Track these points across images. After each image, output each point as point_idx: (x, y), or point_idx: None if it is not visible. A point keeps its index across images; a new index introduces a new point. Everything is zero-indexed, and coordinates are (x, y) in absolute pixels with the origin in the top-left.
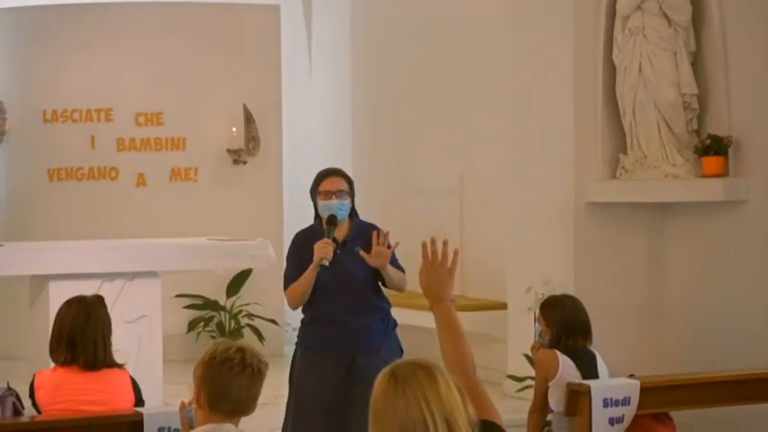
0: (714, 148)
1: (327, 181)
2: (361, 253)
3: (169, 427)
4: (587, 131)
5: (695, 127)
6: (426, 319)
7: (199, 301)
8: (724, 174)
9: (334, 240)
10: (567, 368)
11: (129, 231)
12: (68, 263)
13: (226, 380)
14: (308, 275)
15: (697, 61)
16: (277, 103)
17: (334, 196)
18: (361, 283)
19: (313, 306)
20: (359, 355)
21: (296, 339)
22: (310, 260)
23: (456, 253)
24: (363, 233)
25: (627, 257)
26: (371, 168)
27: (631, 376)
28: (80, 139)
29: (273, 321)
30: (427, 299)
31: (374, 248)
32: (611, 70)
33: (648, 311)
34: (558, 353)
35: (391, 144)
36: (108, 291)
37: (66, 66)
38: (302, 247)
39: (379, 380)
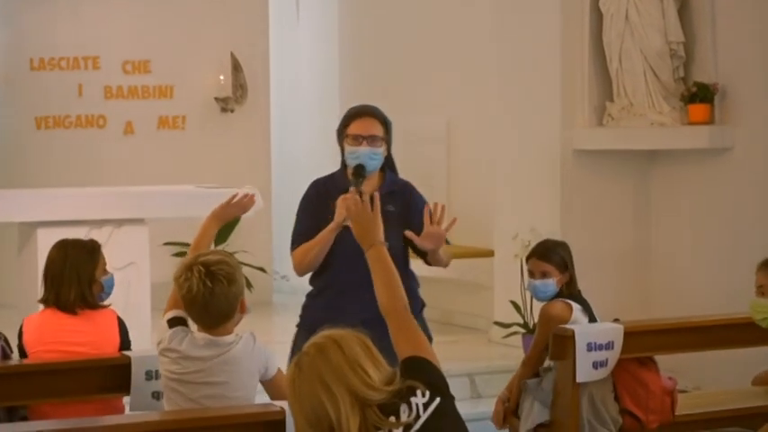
0: (700, 95)
1: (358, 122)
2: (409, 234)
3: (156, 371)
4: (574, 79)
5: (681, 75)
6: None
7: (187, 249)
8: (710, 121)
9: (361, 195)
10: (578, 317)
11: (117, 179)
12: (56, 210)
13: (186, 301)
14: (325, 236)
15: (684, 9)
16: (264, 50)
17: (364, 142)
18: (392, 250)
19: (324, 275)
20: (378, 339)
21: (297, 319)
22: (327, 216)
23: (375, 199)
24: (396, 190)
25: (613, 205)
26: None
27: (616, 321)
28: (68, 87)
29: (262, 269)
30: (362, 245)
31: (427, 228)
32: (597, 17)
33: (635, 258)
34: (573, 304)
35: (379, 91)
36: (96, 237)
37: (54, 14)
38: (319, 199)
39: (288, 369)
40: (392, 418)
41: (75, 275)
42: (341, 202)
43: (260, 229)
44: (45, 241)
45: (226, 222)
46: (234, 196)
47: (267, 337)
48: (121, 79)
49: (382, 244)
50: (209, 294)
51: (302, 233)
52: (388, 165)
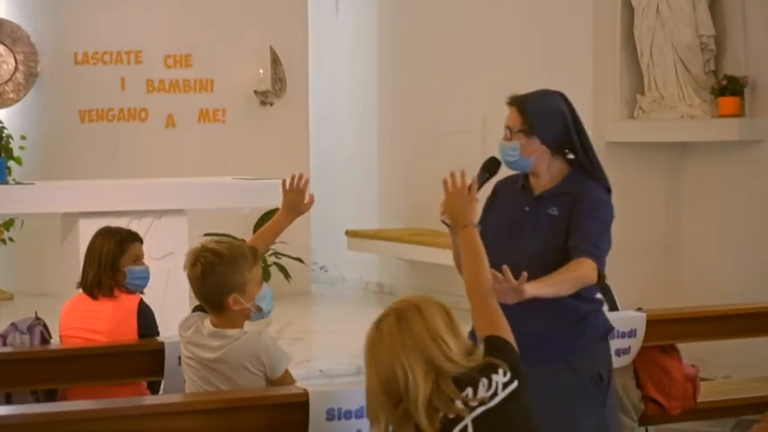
0: (730, 88)
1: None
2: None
3: None
4: (605, 72)
5: (712, 68)
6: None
7: (226, 240)
8: (740, 114)
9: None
10: None
11: (158, 172)
12: (98, 201)
13: (191, 283)
14: (452, 239)
15: (714, 2)
16: (303, 44)
17: (507, 132)
18: (537, 259)
19: None
20: (528, 363)
21: None
22: (500, 213)
23: (474, 183)
24: (572, 191)
25: (644, 196)
26: (398, 109)
27: (639, 309)
28: (110, 80)
29: (299, 260)
30: (453, 227)
31: (498, 283)
32: (629, 11)
33: (665, 249)
34: None
35: (416, 84)
36: (136, 228)
37: (97, 8)
38: (492, 199)
39: (370, 328)
40: (468, 390)
41: (97, 260)
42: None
43: (298, 221)
44: (87, 232)
45: (298, 215)
46: (284, 182)
47: (305, 327)
48: (163, 73)
49: (475, 226)
50: (194, 279)
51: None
52: (582, 163)
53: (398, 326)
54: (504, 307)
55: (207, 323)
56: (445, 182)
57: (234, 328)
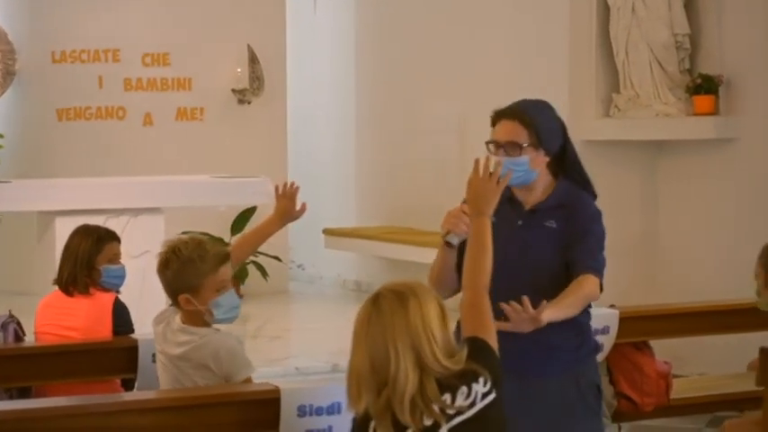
0: (705, 87)
1: (497, 127)
2: (505, 308)
3: None
4: (582, 71)
5: (687, 66)
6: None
7: (205, 239)
8: (715, 112)
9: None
10: None
11: (135, 170)
12: (74, 199)
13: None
14: (439, 256)
15: (689, 1)
16: (281, 42)
17: (501, 150)
18: (545, 272)
19: None
20: (532, 375)
21: None
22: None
23: (507, 176)
24: (567, 204)
25: (621, 194)
26: (376, 107)
27: (612, 306)
28: (88, 79)
29: (277, 258)
30: (469, 210)
31: (513, 313)
32: (605, 10)
33: (642, 247)
34: None
35: (394, 82)
36: (113, 226)
37: (75, 7)
38: None
39: (364, 304)
40: (447, 396)
41: (73, 257)
42: (446, 216)
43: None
44: (63, 230)
45: (289, 221)
46: (277, 188)
47: (282, 325)
48: (141, 71)
49: (490, 218)
50: (156, 271)
51: None
52: (570, 173)
53: (399, 308)
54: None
55: (177, 318)
56: (477, 161)
57: (202, 326)
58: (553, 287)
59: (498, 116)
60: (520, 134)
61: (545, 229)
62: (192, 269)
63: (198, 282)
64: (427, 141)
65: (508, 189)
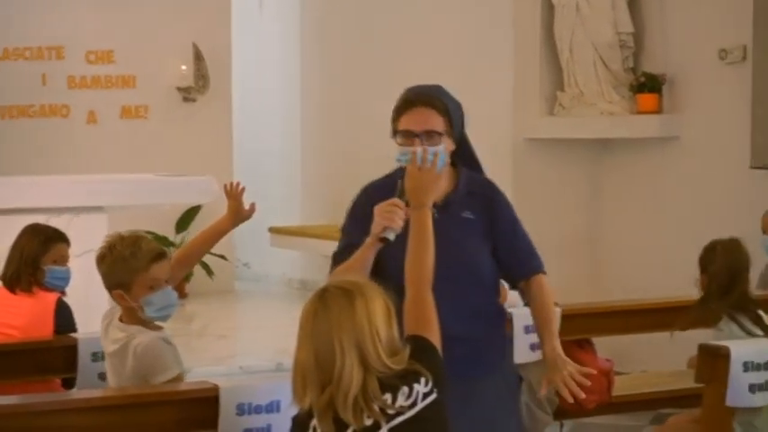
0: (649, 85)
1: (409, 115)
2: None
3: (102, 353)
4: (526, 69)
5: (631, 65)
6: None
7: (149, 237)
8: (658, 110)
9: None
10: (514, 299)
11: (79, 169)
12: (15, 197)
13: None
14: (362, 254)
15: (633, 0)
16: (226, 40)
17: (417, 139)
18: (476, 266)
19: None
20: (475, 376)
21: None
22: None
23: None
24: (475, 192)
25: (565, 192)
26: (321, 106)
27: (555, 305)
28: (31, 76)
29: (222, 257)
30: (410, 202)
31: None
32: (549, 9)
33: (586, 244)
34: (506, 285)
35: (341, 80)
36: (54, 225)
37: (18, 4)
38: (366, 206)
39: (308, 301)
40: (387, 396)
41: (18, 255)
42: (378, 211)
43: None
44: (3, 228)
45: (240, 221)
46: (225, 186)
47: (228, 324)
48: (85, 69)
49: (431, 209)
50: (96, 266)
51: (344, 250)
52: (464, 158)
53: (346, 306)
54: (445, 317)
55: (118, 315)
56: (415, 152)
57: (136, 323)
58: (489, 281)
59: (410, 104)
60: (437, 122)
61: (462, 221)
62: (124, 265)
63: (129, 278)
64: (372, 139)
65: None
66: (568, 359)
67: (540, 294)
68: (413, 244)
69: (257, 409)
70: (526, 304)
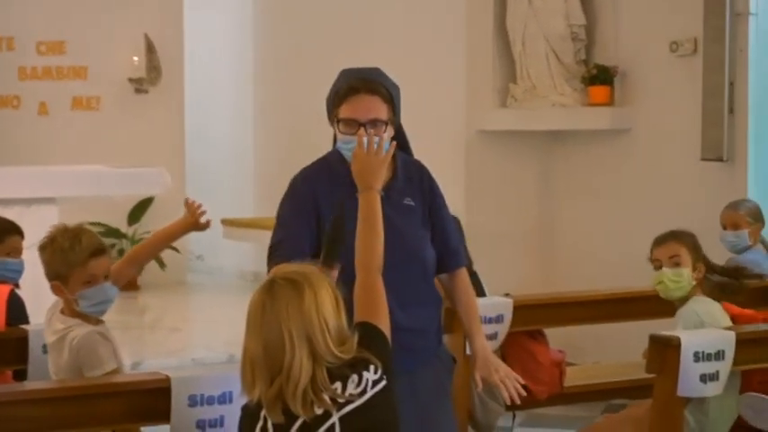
0: (600, 77)
1: (354, 102)
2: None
3: None
4: (478, 61)
5: (583, 57)
6: None
7: (101, 229)
8: (610, 103)
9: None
10: None
11: (31, 160)
12: None
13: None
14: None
15: None
16: (178, 31)
17: (362, 129)
18: (421, 254)
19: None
20: (416, 367)
21: None
22: (318, 212)
23: (392, 145)
24: (413, 178)
25: (517, 184)
26: (274, 97)
27: (507, 295)
28: None
29: (175, 249)
30: (357, 185)
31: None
32: (502, 1)
33: (538, 236)
34: None
35: (293, 70)
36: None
37: None
38: (305, 194)
39: (256, 292)
40: (337, 385)
41: None
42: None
43: (173, 209)
44: None
45: (194, 230)
46: (186, 200)
47: (181, 316)
48: (35, 60)
49: (379, 192)
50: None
51: (285, 239)
52: (398, 141)
53: (294, 298)
54: (392, 307)
55: (60, 306)
56: (361, 135)
57: (75, 315)
58: (431, 268)
59: (353, 91)
60: (382, 110)
61: (405, 208)
62: (62, 258)
63: (67, 271)
64: (325, 130)
65: (350, 172)
66: (499, 360)
67: (466, 289)
68: (361, 227)
69: (209, 400)
70: (478, 294)
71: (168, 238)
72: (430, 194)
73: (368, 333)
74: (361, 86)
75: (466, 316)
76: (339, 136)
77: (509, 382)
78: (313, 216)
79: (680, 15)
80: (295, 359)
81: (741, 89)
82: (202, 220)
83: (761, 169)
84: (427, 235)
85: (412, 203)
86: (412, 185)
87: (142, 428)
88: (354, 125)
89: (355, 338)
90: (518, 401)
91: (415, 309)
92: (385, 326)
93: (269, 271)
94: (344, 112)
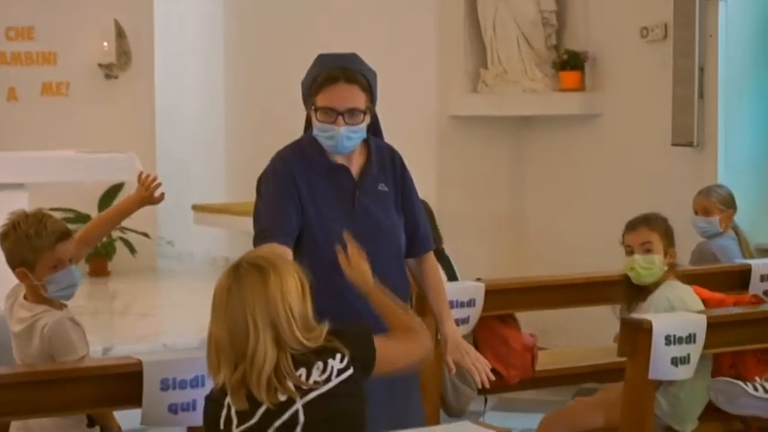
0: (571, 63)
1: (332, 91)
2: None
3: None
4: (449, 46)
5: (554, 42)
6: None
7: (71, 215)
8: (581, 88)
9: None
10: None
11: (0, 146)
12: None
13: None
14: None
15: None
16: (148, 17)
17: (341, 118)
18: (395, 241)
19: (315, 277)
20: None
21: None
22: (299, 192)
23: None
24: (385, 163)
25: (489, 169)
26: (245, 82)
27: (478, 280)
28: None
29: (145, 234)
30: (360, 292)
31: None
32: None
33: (510, 221)
34: None
35: (264, 55)
36: None
37: None
38: (285, 174)
39: (221, 276)
40: (302, 371)
41: None
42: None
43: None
44: None
45: (148, 204)
46: (140, 174)
47: (151, 302)
48: (4, 45)
49: (376, 289)
50: None
51: (273, 222)
52: (373, 127)
53: (259, 284)
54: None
55: (22, 293)
56: (340, 252)
57: (42, 302)
58: (403, 252)
59: (332, 80)
60: (360, 99)
61: (379, 194)
62: (28, 244)
63: (33, 257)
64: (297, 116)
65: (326, 155)
66: (469, 345)
67: (434, 273)
68: (388, 318)
69: (182, 384)
70: (449, 278)
71: (121, 215)
72: (401, 179)
73: (348, 329)
74: (339, 75)
75: (435, 300)
76: (316, 124)
77: (480, 366)
78: (296, 195)
79: (650, 1)
80: (259, 345)
81: (711, 74)
82: (156, 193)
83: (731, 154)
84: (400, 220)
85: (386, 189)
86: (385, 171)
87: (114, 413)
88: (333, 114)
89: (324, 329)
90: (488, 386)
91: (391, 291)
92: (420, 342)
93: (255, 245)
94: (322, 100)
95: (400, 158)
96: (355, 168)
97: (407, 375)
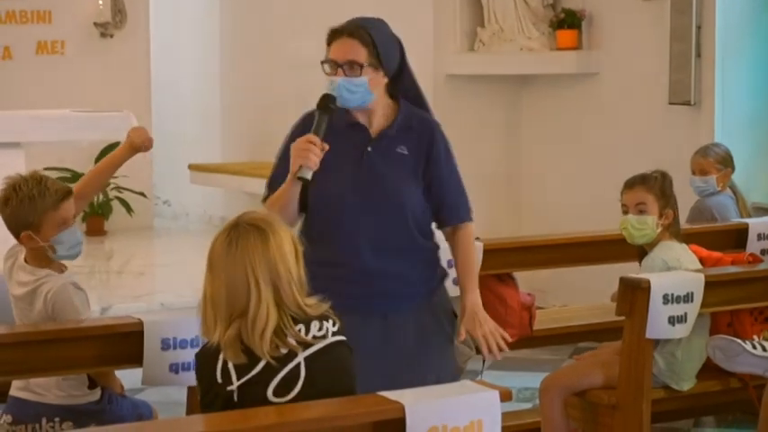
0: (568, 21)
1: (335, 45)
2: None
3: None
4: (446, 5)
5: (550, 1)
6: None
7: (68, 174)
8: (577, 47)
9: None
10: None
11: None
12: None
13: None
14: (284, 190)
15: None
16: None
17: (340, 70)
18: (400, 201)
19: (318, 238)
20: (390, 311)
21: None
22: (334, 156)
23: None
24: (413, 127)
25: (485, 128)
26: (241, 41)
27: (476, 239)
28: None
29: (142, 194)
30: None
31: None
32: None
33: (507, 180)
34: None
35: (260, 15)
36: None
37: None
38: (302, 134)
39: (219, 235)
40: (301, 327)
41: None
42: (293, 149)
43: (140, 154)
44: None
45: (139, 151)
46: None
47: (148, 261)
48: None
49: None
50: None
51: (275, 179)
52: (406, 92)
53: (259, 243)
54: (364, 251)
55: (22, 256)
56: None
57: (45, 265)
58: (415, 220)
59: (336, 34)
60: (359, 53)
61: (396, 156)
62: (32, 206)
63: (38, 218)
64: (291, 76)
65: (348, 114)
66: (488, 317)
67: (465, 244)
68: None
69: (182, 344)
70: None
71: (113, 166)
72: (429, 146)
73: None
74: (343, 30)
75: (461, 271)
76: (326, 77)
77: (491, 338)
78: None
79: None
80: (261, 304)
81: (708, 32)
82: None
83: (728, 112)
84: (415, 186)
85: (405, 153)
86: (410, 135)
87: (116, 372)
88: (334, 66)
89: (326, 305)
90: (498, 357)
91: (391, 254)
92: None
93: (263, 200)
94: (328, 53)
95: (437, 129)
96: (375, 129)
97: (420, 338)
